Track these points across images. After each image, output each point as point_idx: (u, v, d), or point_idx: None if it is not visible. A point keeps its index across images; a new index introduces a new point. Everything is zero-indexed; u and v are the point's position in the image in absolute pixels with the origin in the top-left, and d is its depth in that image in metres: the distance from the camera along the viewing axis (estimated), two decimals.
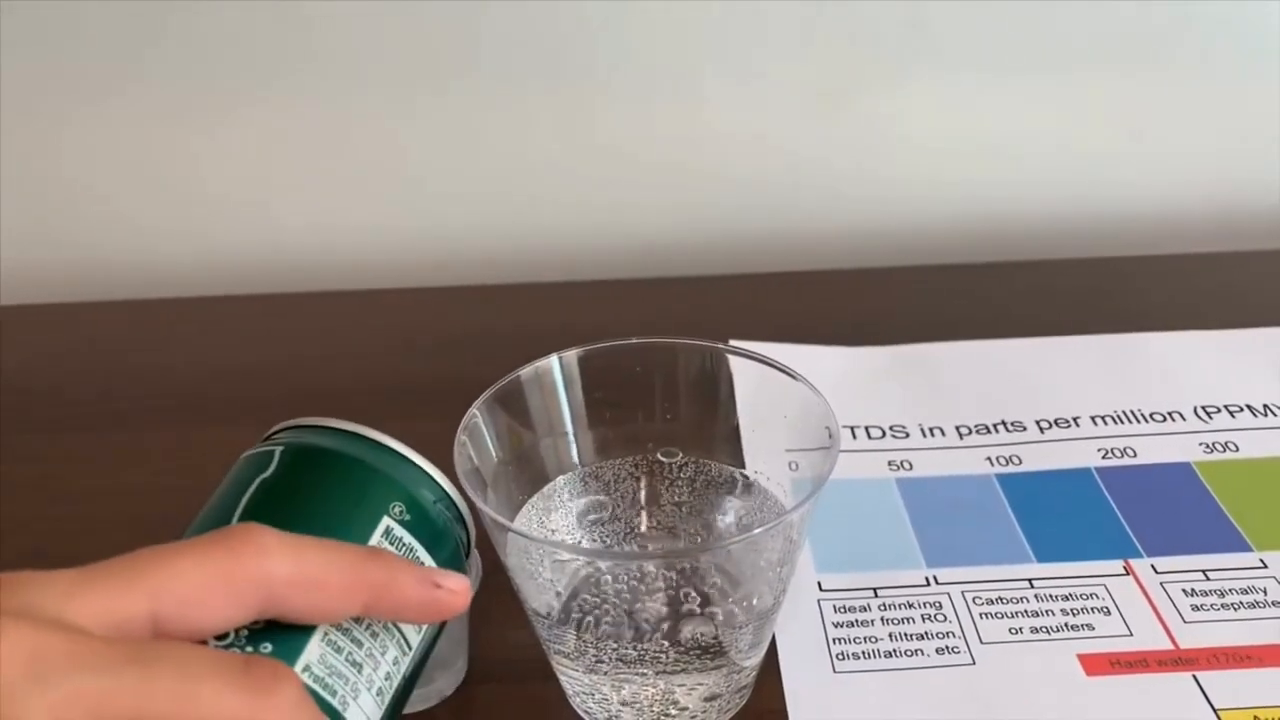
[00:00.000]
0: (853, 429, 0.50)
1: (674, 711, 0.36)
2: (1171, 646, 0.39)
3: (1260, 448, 0.48)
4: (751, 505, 0.40)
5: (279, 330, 0.61)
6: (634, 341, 0.40)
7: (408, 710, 0.38)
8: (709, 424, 0.41)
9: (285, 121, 0.64)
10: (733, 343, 0.41)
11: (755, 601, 0.36)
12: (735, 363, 0.40)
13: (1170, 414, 0.50)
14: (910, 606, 0.41)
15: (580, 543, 0.40)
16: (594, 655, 0.35)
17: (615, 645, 0.35)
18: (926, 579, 0.43)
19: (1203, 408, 0.51)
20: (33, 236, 0.66)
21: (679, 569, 0.38)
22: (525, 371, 0.39)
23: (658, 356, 0.40)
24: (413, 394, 0.51)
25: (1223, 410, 0.50)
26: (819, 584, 0.43)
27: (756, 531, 0.37)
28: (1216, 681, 0.38)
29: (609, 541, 0.40)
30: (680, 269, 0.66)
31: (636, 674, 0.35)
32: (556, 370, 0.40)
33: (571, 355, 0.40)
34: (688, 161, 0.66)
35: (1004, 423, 0.50)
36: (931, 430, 0.50)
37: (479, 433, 0.37)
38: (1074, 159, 0.67)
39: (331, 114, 0.64)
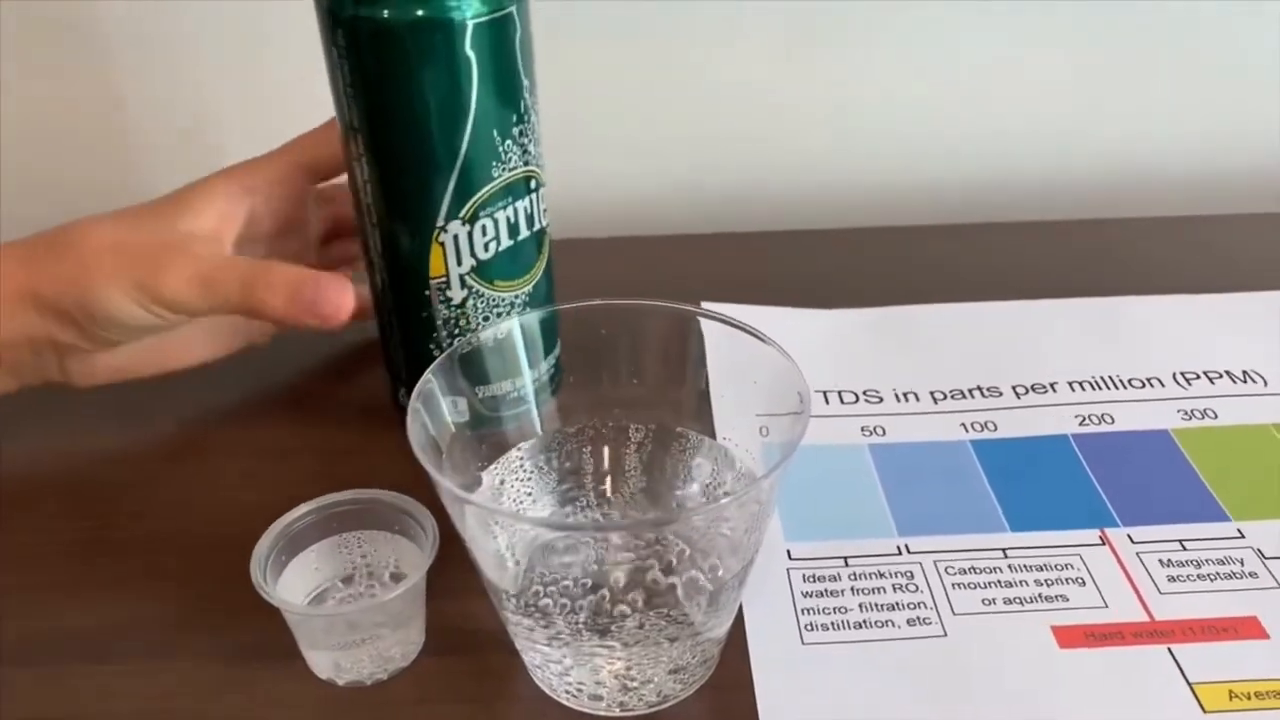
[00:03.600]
0: (825, 393, 0.49)
1: (637, 684, 0.35)
2: (1147, 618, 0.38)
3: (1239, 415, 0.47)
4: (720, 473, 0.39)
5: None
6: (599, 303, 0.38)
7: (363, 683, 0.37)
8: (677, 389, 0.39)
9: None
10: (703, 305, 0.40)
11: (721, 571, 0.35)
12: (705, 326, 0.38)
13: (1149, 380, 0.49)
14: (881, 576, 0.40)
15: (542, 514, 0.38)
16: (555, 628, 0.34)
17: (576, 617, 0.34)
18: (898, 548, 0.41)
19: (1181, 374, 0.50)
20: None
21: (643, 539, 0.37)
22: (484, 334, 0.37)
23: (624, 319, 0.39)
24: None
25: (1202, 376, 0.49)
26: (788, 552, 0.42)
27: (724, 502, 0.36)
28: (1191, 654, 0.37)
29: (571, 511, 0.39)
30: (649, 228, 0.65)
31: (599, 647, 0.34)
32: (517, 333, 0.38)
33: (533, 317, 0.39)
34: (657, 116, 0.65)
35: (979, 388, 0.49)
36: (905, 395, 0.49)
37: (433, 399, 0.35)
38: (1055, 119, 0.66)
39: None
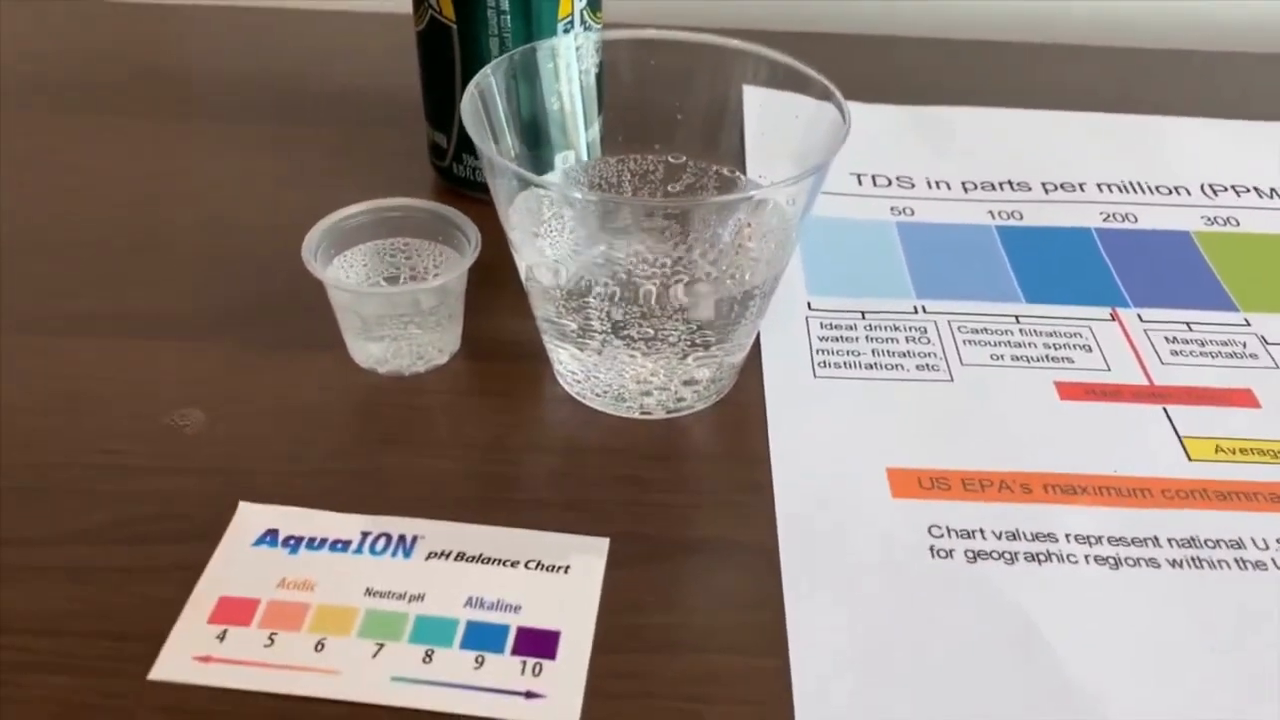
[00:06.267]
0: (859, 176, 0.50)
1: (654, 391, 0.37)
2: (1147, 383, 0.40)
3: (1261, 224, 0.48)
4: (753, 209, 0.40)
5: (275, 40, 0.61)
6: (653, 33, 0.39)
7: (401, 374, 0.39)
8: (719, 128, 0.40)
9: None
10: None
11: (747, 276, 0.36)
12: (753, 66, 0.39)
13: (1176, 188, 0.50)
14: (895, 329, 0.42)
15: (579, 231, 0.40)
16: (584, 330, 0.36)
17: (606, 320, 0.36)
18: (915, 308, 0.43)
19: (1209, 185, 0.51)
20: None
21: (675, 258, 0.38)
22: (541, 45, 0.39)
23: (675, 52, 0.40)
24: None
25: (1229, 189, 0.50)
26: (808, 304, 0.43)
27: (752, 193, 0.37)
28: (1185, 414, 0.39)
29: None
30: (690, 19, 0.65)
31: (624, 352, 0.36)
32: (570, 50, 0.39)
33: (587, 37, 0.40)
34: None
35: (1009, 182, 0.51)
36: (937, 184, 0.50)
37: (491, 93, 0.37)
38: None
39: None
